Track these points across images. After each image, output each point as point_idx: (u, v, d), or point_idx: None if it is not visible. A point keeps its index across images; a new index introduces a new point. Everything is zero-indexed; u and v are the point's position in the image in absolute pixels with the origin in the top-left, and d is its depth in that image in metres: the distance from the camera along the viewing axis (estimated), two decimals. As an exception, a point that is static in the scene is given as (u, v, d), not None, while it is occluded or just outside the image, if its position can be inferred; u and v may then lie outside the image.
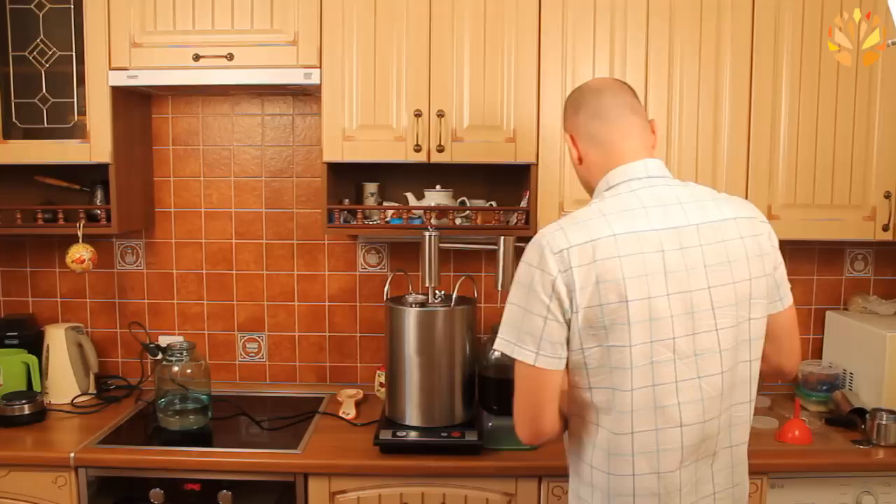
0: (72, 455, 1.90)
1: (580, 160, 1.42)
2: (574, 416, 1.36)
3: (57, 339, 2.30)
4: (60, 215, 2.21)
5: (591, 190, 1.44)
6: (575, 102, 1.43)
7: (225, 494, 1.88)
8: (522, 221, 2.17)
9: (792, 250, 2.42)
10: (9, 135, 2.15)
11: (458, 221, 2.23)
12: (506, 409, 2.11)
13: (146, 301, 2.51)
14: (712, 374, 1.28)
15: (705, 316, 1.27)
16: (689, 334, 1.26)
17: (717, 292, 1.27)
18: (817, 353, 2.46)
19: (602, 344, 1.25)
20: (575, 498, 1.40)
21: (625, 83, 1.45)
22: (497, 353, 2.14)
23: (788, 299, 1.41)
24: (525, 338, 1.27)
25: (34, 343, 2.33)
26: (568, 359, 1.29)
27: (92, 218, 2.23)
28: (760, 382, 1.49)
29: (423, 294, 2.03)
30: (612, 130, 1.37)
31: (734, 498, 1.37)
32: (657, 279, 1.24)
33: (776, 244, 1.39)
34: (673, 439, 1.27)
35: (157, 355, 2.29)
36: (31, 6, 2.12)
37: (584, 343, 1.26)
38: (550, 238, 1.27)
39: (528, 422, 1.33)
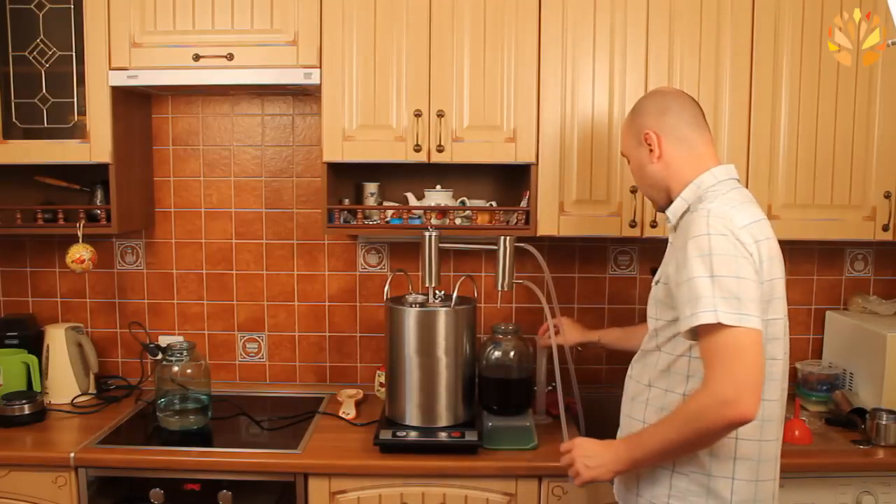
0: (72, 455, 1.90)
1: (660, 157, 1.52)
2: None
3: (57, 339, 2.30)
4: (60, 215, 2.21)
5: (663, 191, 1.55)
6: (660, 104, 1.55)
7: (225, 494, 1.88)
8: (522, 221, 2.17)
9: (792, 250, 2.43)
10: (9, 135, 2.15)
11: (458, 221, 2.23)
12: (506, 409, 2.12)
13: (146, 301, 2.51)
14: (786, 355, 1.47)
15: (783, 304, 1.45)
16: (784, 316, 1.45)
17: (781, 282, 1.45)
18: (817, 353, 2.46)
19: (768, 317, 1.38)
20: (705, 478, 1.42)
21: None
22: (497, 353, 2.14)
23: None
24: (748, 304, 1.28)
25: (34, 343, 2.33)
26: None
27: (92, 218, 2.23)
28: None
29: (423, 294, 2.03)
30: (700, 135, 1.53)
31: None
32: (777, 263, 1.43)
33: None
34: (774, 412, 1.46)
35: (157, 355, 2.29)
36: (31, 6, 2.12)
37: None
38: (732, 214, 1.37)
39: (744, 399, 1.25)
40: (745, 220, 1.37)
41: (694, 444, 1.34)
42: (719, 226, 1.33)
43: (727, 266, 1.29)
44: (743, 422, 1.26)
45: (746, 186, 2.07)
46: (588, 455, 1.46)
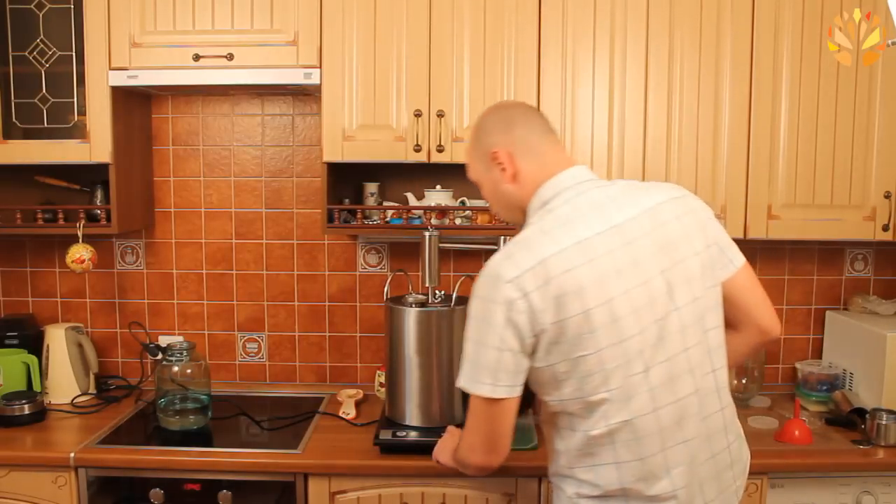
0: (72, 455, 1.89)
1: (514, 177, 1.42)
2: (547, 424, 1.42)
3: (57, 339, 2.30)
4: (60, 215, 2.21)
5: (520, 211, 1.45)
6: (505, 119, 1.45)
7: (225, 494, 1.88)
8: (522, 221, 2.17)
9: (792, 250, 2.43)
10: (9, 135, 2.15)
11: (458, 221, 2.23)
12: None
13: (146, 301, 2.51)
14: (678, 353, 1.31)
15: (664, 300, 1.30)
16: (654, 321, 1.29)
17: (670, 274, 1.31)
18: (817, 353, 2.46)
19: (570, 356, 1.28)
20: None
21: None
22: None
23: (739, 260, 1.43)
24: (482, 372, 1.31)
25: (34, 343, 2.33)
26: (539, 374, 1.33)
27: (92, 218, 2.23)
28: (750, 355, 1.60)
29: (423, 294, 2.03)
30: (551, 144, 1.44)
31: (716, 467, 1.38)
32: (612, 281, 1.27)
33: (712, 214, 1.43)
34: (649, 425, 1.30)
35: (157, 355, 2.29)
36: (31, 6, 2.12)
37: (552, 359, 1.29)
38: (501, 268, 1.29)
39: (489, 450, 1.37)
40: (525, 266, 1.26)
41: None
42: (480, 287, 1.32)
43: (475, 331, 1.31)
44: (485, 470, 1.41)
45: (746, 186, 2.09)
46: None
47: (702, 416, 1.35)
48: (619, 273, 1.28)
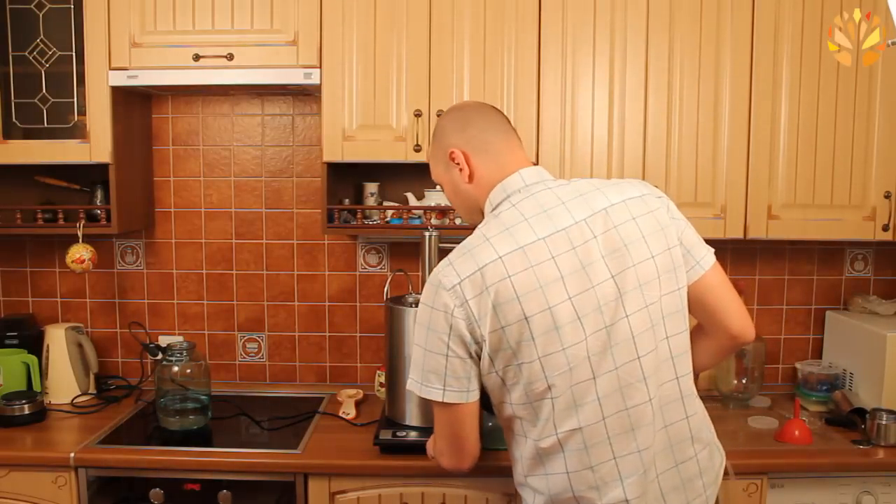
0: (72, 455, 1.89)
1: (471, 177, 1.41)
2: (505, 429, 1.40)
3: (57, 339, 2.30)
4: (60, 215, 2.21)
5: (479, 212, 1.44)
6: (460, 119, 1.44)
7: (225, 494, 1.88)
8: (522, 221, 2.17)
9: (792, 250, 2.43)
10: (9, 135, 2.15)
11: (458, 221, 2.23)
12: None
13: (146, 301, 2.51)
14: (629, 361, 1.27)
15: (613, 306, 1.27)
16: (601, 328, 1.26)
17: (620, 279, 1.27)
18: (817, 353, 2.46)
19: (512, 363, 1.27)
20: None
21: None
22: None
23: (707, 261, 1.38)
24: (430, 376, 1.31)
25: (34, 343, 2.33)
26: (487, 380, 1.32)
27: (92, 218, 2.23)
28: (722, 360, 1.57)
29: (423, 294, 2.02)
30: (507, 142, 1.41)
31: (681, 476, 1.34)
32: (554, 287, 1.24)
33: (677, 214, 1.38)
34: (598, 433, 1.28)
35: (157, 355, 2.29)
36: (31, 6, 2.12)
37: (496, 365, 1.29)
38: (442, 275, 1.29)
39: (454, 454, 1.39)
40: (465, 273, 1.26)
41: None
42: (424, 294, 1.32)
43: (420, 336, 1.32)
44: (456, 470, 1.40)
45: (746, 186, 2.09)
46: None
47: (661, 424, 1.31)
48: (562, 279, 1.25)
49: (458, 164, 1.41)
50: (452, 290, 1.26)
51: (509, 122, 1.46)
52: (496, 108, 1.47)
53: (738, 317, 1.41)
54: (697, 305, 1.39)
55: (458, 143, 1.41)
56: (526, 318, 1.24)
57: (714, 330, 1.42)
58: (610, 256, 1.28)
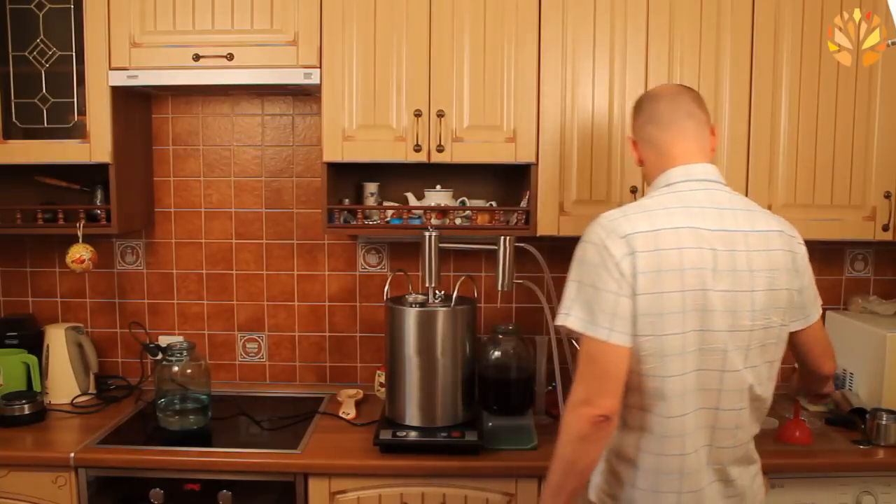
0: (72, 455, 1.89)
1: (640, 162, 1.53)
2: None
3: (57, 339, 2.30)
4: (60, 215, 2.21)
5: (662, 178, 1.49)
6: (637, 108, 1.54)
7: (225, 494, 1.88)
8: (522, 221, 2.17)
9: (792, 250, 2.43)
10: (9, 135, 2.15)
11: (458, 221, 2.23)
12: (506, 409, 2.12)
13: (146, 301, 2.51)
14: (736, 370, 1.35)
15: (744, 316, 1.34)
16: (729, 330, 1.33)
17: (757, 296, 1.35)
18: (817, 353, 2.46)
19: (656, 333, 1.30)
20: (611, 476, 1.42)
21: (689, 89, 1.53)
22: (497, 353, 2.14)
23: (815, 315, 1.51)
24: (599, 315, 1.30)
25: (34, 343, 2.33)
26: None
27: (92, 218, 2.23)
28: (804, 391, 1.72)
29: (423, 294, 2.02)
30: (665, 133, 1.46)
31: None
32: (710, 275, 1.31)
33: (808, 264, 1.46)
34: (707, 421, 1.36)
35: (157, 355, 2.29)
36: (31, 6, 2.12)
37: (638, 330, 1.30)
38: (615, 223, 1.33)
39: (595, 399, 1.30)
40: (640, 228, 1.31)
41: (578, 452, 1.33)
42: (593, 234, 1.35)
43: (588, 274, 1.32)
44: (599, 418, 1.29)
45: (746, 186, 2.09)
46: None
47: (729, 441, 1.40)
48: (716, 272, 1.32)
49: (631, 149, 1.56)
50: (625, 239, 1.30)
51: (689, 108, 1.47)
52: (679, 93, 1.50)
53: (828, 363, 1.57)
54: (794, 348, 1.53)
55: (632, 130, 1.55)
56: (683, 292, 1.30)
57: (803, 369, 1.60)
58: (756, 273, 1.35)
